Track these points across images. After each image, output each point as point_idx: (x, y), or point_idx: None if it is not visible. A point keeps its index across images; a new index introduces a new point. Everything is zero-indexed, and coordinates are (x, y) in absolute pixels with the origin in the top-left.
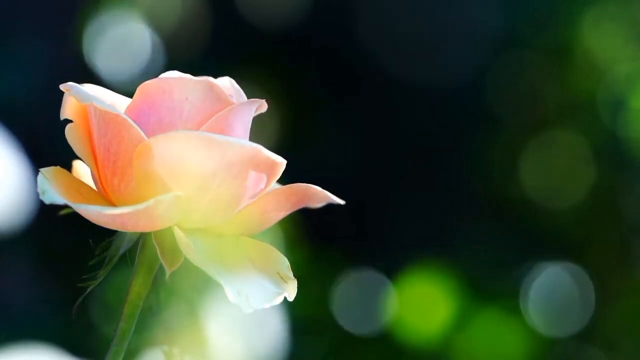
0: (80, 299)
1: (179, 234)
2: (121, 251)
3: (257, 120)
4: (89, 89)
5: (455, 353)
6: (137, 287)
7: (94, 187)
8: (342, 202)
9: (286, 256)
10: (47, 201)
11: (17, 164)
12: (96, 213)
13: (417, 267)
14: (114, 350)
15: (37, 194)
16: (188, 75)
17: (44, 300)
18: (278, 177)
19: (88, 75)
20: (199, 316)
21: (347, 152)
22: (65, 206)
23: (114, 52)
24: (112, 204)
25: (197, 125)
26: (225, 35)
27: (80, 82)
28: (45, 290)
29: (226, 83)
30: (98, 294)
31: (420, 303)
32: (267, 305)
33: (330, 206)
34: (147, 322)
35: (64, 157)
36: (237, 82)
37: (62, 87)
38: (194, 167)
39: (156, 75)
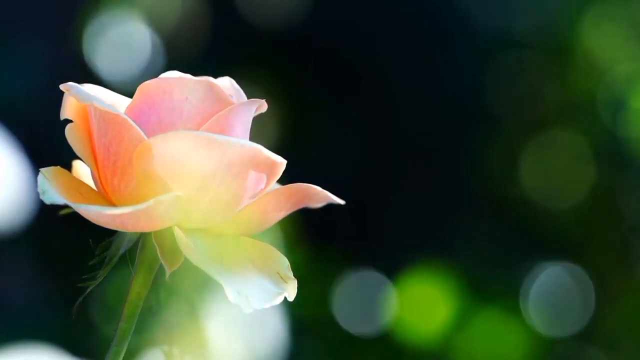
0: (80, 299)
1: (179, 234)
2: (121, 251)
3: (257, 120)
4: (89, 89)
5: (455, 353)
6: (137, 287)
7: (94, 187)
8: (342, 202)
9: (286, 256)
10: (47, 201)
11: (17, 164)
12: (96, 213)
13: (417, 267)
14: (114, 350)
15: (37, 194)
16: (188, 75)
17: (44, 300)
18: (278, 177)
19: (88, 75)
20: (199, 316)
21: (347, 152)
22: (65, 206)
23: (114, 52)
24: (112, 204)
25: (197, 125)
26: (225, 35)
27: (80, 82)
28: (45, 290)
29: (226, 83)
30: (98, 294)
31: (420, 303)
32: (267, 305)
33: (330, 206)
34: (147, 322)
35: (64, 157)
36: (237, 82)
37: (62, 87)
38: (194, 167)
39: (156, 75)
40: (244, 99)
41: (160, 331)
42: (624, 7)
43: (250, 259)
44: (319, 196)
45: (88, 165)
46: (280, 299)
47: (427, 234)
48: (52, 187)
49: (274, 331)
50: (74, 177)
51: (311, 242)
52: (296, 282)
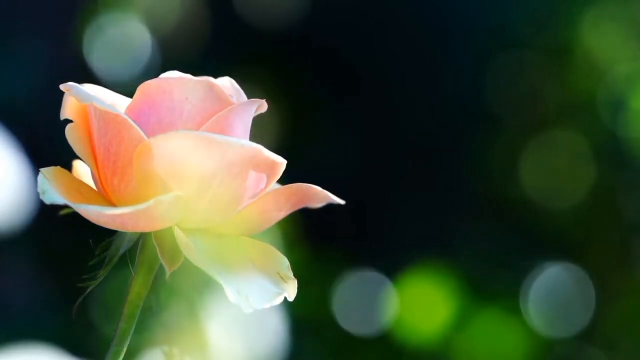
0: (80, 299)
1: (179, 234)
2: (121, 251)
3: (257, 120)
4: (89, 89)
5: (455, 353)
6: (137, 287)
7: (94, 187)
8: (342, 202)
9: (286, 256)
10: (47, 201)
11: (17, 164)
12: (96, 213)
13: (417, 267)
14: (114, 350)
15: (37, 194)
16: (188, 75)
17: (44, 300)
18: (278, 177)
19: (88, 75)
20: (199, 316)
21: (347, 152)
22: (65, 206)
23: (114, 52)
24: (112, 204)
25: (197, 125)
26: (224, 35)
27: (80, 82)
28: (45, 290)
29: (226, 83)
30: (98, 294)
31: (420, 303)
32: (267, 305)
33: (330, 206)
34: (147, 322)
35: (64, 157)
36: (237, 82)
37: (62, 87)
38: (194, 167)
39: (156, 75)
40: (244, 99)
41: (160, 331)
42: (624, 7)
43: (250, 259)
44: (319, 196)
45: (88, 165)
46: (280, 299)
47: (427, 234)
48: (52, 187)
49: (274, 331)
50: (74, 177)
51: (311, 242)
52: (296, 282)
